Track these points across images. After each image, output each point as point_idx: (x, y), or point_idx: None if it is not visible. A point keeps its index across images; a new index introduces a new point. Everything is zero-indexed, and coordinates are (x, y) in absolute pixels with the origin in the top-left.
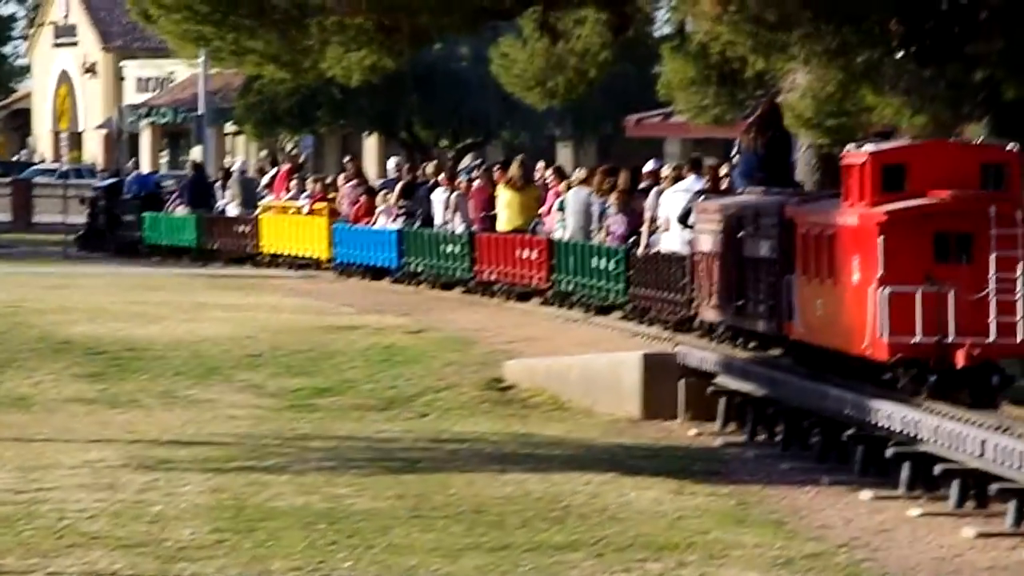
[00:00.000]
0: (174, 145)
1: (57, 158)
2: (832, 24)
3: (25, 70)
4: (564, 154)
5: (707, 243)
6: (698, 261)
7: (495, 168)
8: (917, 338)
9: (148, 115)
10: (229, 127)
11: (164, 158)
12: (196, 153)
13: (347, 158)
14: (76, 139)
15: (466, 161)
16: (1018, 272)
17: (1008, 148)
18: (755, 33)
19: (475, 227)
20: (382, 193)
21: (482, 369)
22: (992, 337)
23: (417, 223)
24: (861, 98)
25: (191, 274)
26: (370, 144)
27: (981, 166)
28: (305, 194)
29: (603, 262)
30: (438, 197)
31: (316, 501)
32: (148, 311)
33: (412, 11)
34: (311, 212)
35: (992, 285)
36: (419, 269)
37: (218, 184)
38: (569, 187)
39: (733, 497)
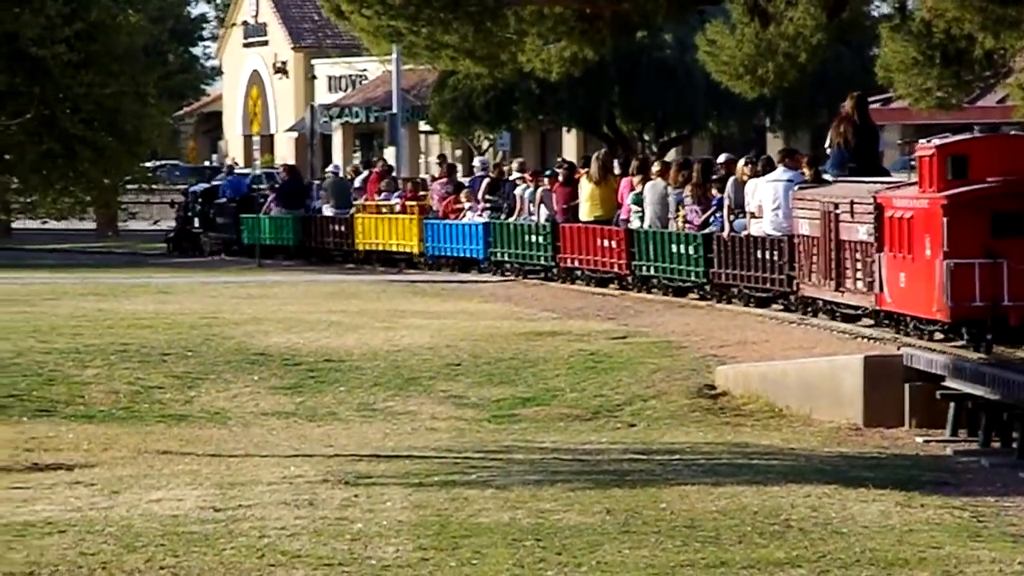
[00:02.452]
0: (366, 146)
1: (249, 162)
2: None
3: (216, 72)
4: (775, 145)
5: (806, 227)
6: (797, 244)
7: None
8: (976, 302)
9: (340, 115)
10: (423, 126)
11: (356, 159)
12: (389, 154)
13: (438, 157)
14: (268, 142)
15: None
16: None
17: None
18: (984, 8)
19: (558, 218)
20: (467, 190)
21: (692, 375)
22: None
23: (503, 216)
24: None
25: (386, 281)
26: (570, 140)
27: None
28: (396, 193)
29: (682, 247)
30: (521, 192)
31: (522, 517)
32: (344, 320)
33: None
34: (403, 210)
35: None
36: (504, 258)
37: (314, 185)
38: (645, 180)
39: (967, 509)
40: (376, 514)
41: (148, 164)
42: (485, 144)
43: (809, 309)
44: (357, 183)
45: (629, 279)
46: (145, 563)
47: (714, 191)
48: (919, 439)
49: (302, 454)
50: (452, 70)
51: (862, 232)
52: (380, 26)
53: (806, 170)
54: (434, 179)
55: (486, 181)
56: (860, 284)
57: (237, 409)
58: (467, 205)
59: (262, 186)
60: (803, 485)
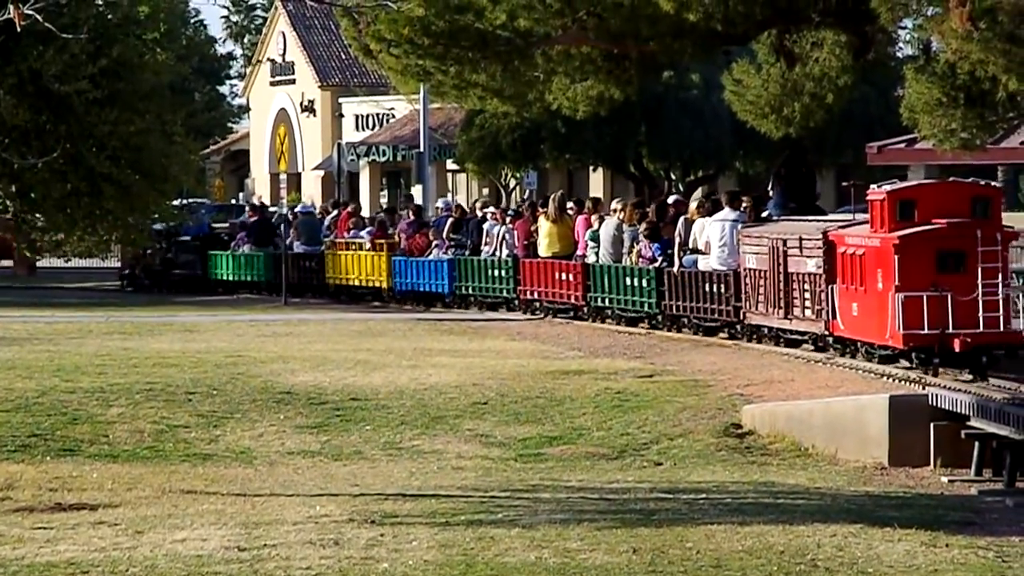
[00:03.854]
0: (394, 184)
1: (275, 200)
2: None
3: (243, 110)
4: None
5: (753, 262)
6: (744, 277)
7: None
8: (924, 330)
9: (367, 153)
10: (451, 164)
11: (383, 198)
12: (416, 192)
13: (402, 199)
14: (295, 180)
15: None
16: (999, 279)
17: (993, 185)
18: (1008, 51)
19: (519, 253)
20: (433, 228)
21: (719, 414)
22: (980, 328)
23: (467, 253)
24: None
25: (413, 319)
26: (596, 179)
27: (972, 199)
28: (367, 230)
29: (636, 280)
30: (490, 229)
31: (548, 556)
32: (371, 359)
33: (641, 38)
34: (373, 247)
35: (980, 289)
36: (469, 292)
37: (283, 224)
38: (601, 219)
39: (991, 549)
40: (402, 554)
41: (175, 202)
42: (512, 183)
43: (755, 336)
44: (327, 222)
45: (584, 310)
46: None
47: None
48: (944, 479)
49: (328, 493)
50: (480, 109)
51: (811, 265)
52: (408, 65)
53: (745, 210)
54: (400, 218)
55: (450, 220)
56: (809, 312)
57: (263, 448)
58: (434, 243)
59: (222, 225)
60: (829, 524)
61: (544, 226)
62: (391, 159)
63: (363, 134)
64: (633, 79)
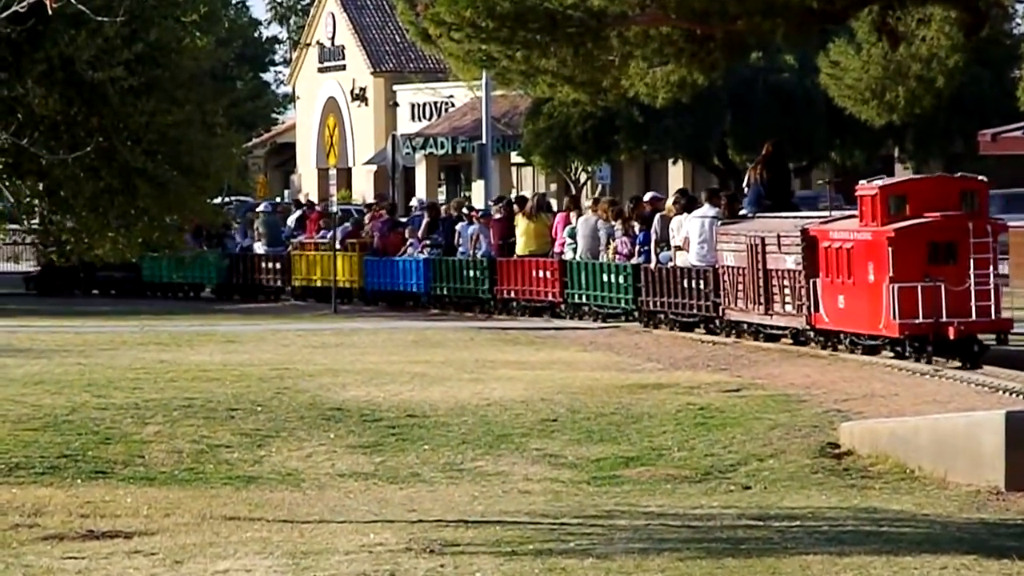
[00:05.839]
0: (453, 179)
1: (324, 197)
2: None
3: (288, 99)
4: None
5: (731, 259)
6: (722, 273)
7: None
8: (919, 319)
9: (424, 146)
10: (515, 157)
11: (441, 195)
12: (478, 187)
13: (376, 200)
14: (345, 175)
15: None
16: (989, 269)
17: (980, 179)
18: None
19: (493, 252)
20: (410, 227)
21: (813, 433)
22: (973, 317)
23: (441, 253)
24: None
25: (474, 328)
26: (676, 172)
27: (960, 193)
28: (341, 228)
29: (613, 277)
30: (464, 229)
31: None
32: (428, 371)
33: (728, 17)
34: (344, 247)
35: (972, 280)
36: (444, 292)
37: (240, 226)
38: (579, 215)
39: None
40: None
41: (216, 201)
42: (583, 177)
43: (733, 331)
44: (290, 221)
45: (562, 307)
46: None
47: (635, 226)
48: None
49: (382, 519)
50: (548, 97)
51: (790, 261)
52: (471, 51)
53: (722, 207)
54: (373, 217)
55: (425, 221)
56: (789, 307)
57: (311, 470)
58: (410, 242)
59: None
60: (939, 555)
61: (521, 224)
62: (450, 152)
63: (419, 125)
64: (718, 62)
